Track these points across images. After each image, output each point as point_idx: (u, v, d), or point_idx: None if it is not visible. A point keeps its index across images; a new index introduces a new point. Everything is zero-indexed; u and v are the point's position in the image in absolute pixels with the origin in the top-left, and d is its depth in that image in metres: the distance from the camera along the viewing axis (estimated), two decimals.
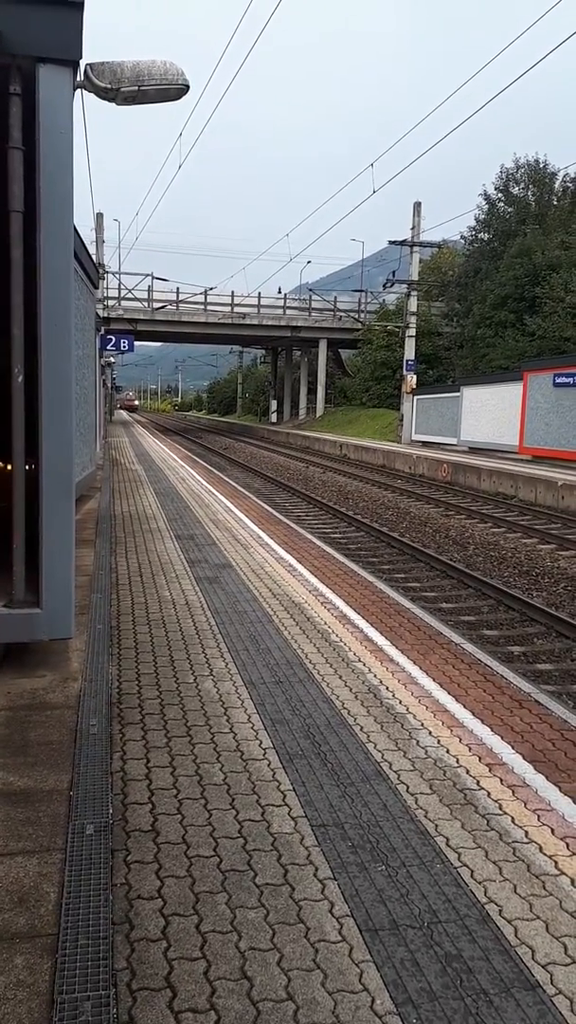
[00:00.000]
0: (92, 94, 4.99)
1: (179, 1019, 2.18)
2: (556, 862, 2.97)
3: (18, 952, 2.40)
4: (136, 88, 4.96)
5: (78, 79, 4.63)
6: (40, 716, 4.14)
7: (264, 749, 3.84)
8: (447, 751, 3.86)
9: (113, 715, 4.18)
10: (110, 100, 5.04)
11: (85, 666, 4.87)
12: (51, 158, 4.34)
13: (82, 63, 4.59)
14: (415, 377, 33.15)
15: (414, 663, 5.14)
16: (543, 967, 2.42)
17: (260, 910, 2.65)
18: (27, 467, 4.67)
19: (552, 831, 3.18)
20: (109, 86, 4.92)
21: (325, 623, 6.00)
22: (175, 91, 5.10)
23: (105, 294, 38.71)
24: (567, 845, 3.09)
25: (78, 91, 4.75)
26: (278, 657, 5.18)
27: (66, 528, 4.64)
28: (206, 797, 3.37)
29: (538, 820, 3.26)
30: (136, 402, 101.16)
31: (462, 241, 40.12)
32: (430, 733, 4.07)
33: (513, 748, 3.92)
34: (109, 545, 8.90)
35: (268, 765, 3.67)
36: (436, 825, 3.19)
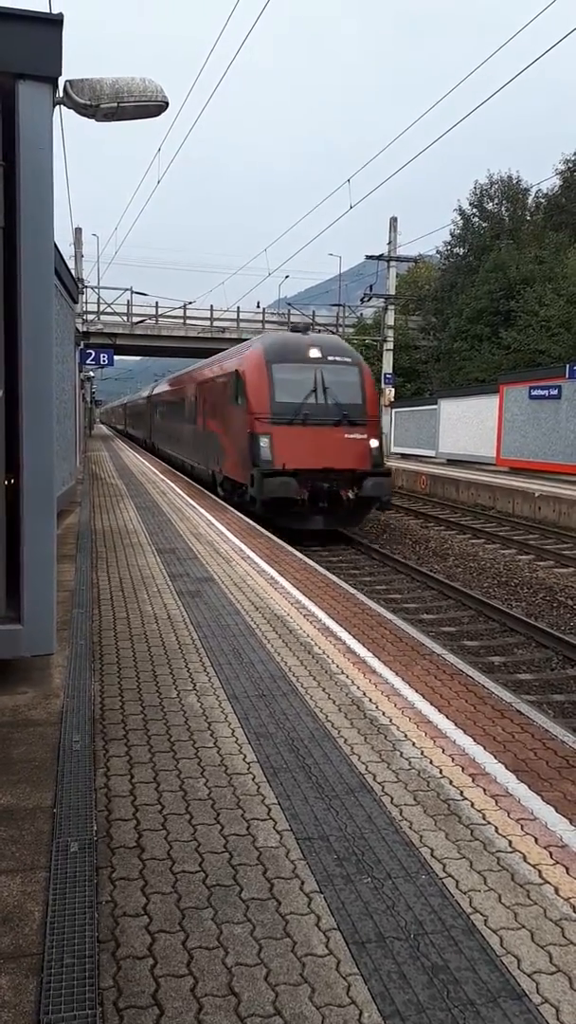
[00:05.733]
0: (72, 110, 5.02)
1: None
2: (540, 871, 2.99)
3: (2, 972, 2.37)
4: (116, 105, 4.99)
5: (58, 95, 4.66)
6: (22, 733, 4.10)
7: (248, 763, 3.83)
8: (430, 762, 3.88)
9: (96, 731, 4.15)
10: (90, 116, 5.06)
11: (67, 682, 4.84)
12: (31, 174, 4.36)
13: (61, 80, 4.62)
14: (393, 390, 33.40)
15: (397, 674, 5.16)
16: (529, 976, 2.43)
17: (246, 925, 2.64)
18: (7, 482, 4.65)
19: (535, 840, 3.20)
20: (89, 103, 4.95)
21: (308, 636, 6.01)
22: (154, 108, 5.14)
23: (84, 308, 38.66)
24: (550, 854, 3.11)
25: (57, 107, 4.77)
26: (261, 671, 5.18)
27: (47, 543, 4.62)
28: (191, 812, 3.35)
29: (521, 829, 3.28)
30: None
31: (438, 256, 40.67)
32: (414, 744, 4.08)
33: (496, 758, 3.94)
34: (90, 560, 8.86)
35: (253, 779, 3.67)
36: (421, 836, 3.20)
